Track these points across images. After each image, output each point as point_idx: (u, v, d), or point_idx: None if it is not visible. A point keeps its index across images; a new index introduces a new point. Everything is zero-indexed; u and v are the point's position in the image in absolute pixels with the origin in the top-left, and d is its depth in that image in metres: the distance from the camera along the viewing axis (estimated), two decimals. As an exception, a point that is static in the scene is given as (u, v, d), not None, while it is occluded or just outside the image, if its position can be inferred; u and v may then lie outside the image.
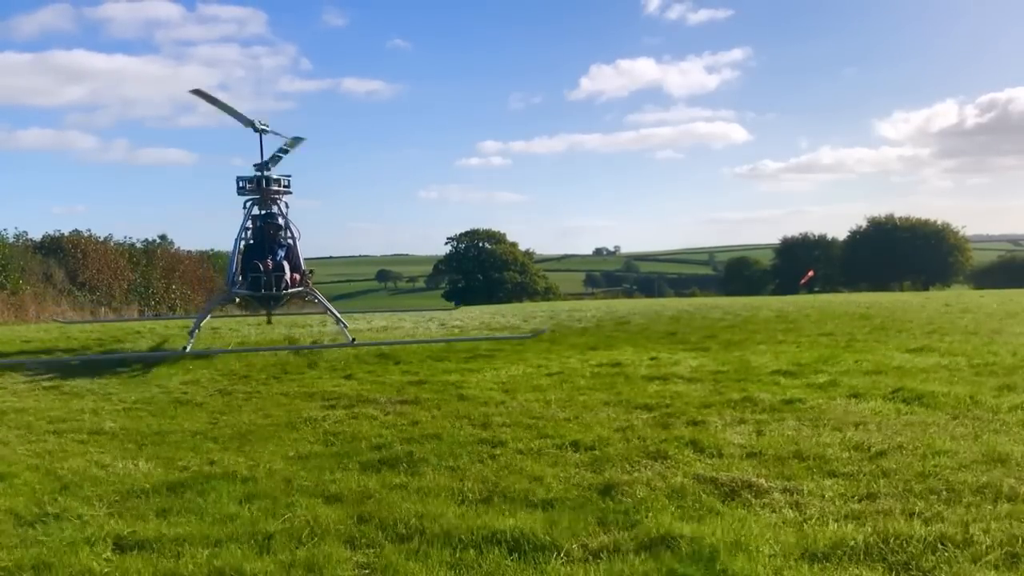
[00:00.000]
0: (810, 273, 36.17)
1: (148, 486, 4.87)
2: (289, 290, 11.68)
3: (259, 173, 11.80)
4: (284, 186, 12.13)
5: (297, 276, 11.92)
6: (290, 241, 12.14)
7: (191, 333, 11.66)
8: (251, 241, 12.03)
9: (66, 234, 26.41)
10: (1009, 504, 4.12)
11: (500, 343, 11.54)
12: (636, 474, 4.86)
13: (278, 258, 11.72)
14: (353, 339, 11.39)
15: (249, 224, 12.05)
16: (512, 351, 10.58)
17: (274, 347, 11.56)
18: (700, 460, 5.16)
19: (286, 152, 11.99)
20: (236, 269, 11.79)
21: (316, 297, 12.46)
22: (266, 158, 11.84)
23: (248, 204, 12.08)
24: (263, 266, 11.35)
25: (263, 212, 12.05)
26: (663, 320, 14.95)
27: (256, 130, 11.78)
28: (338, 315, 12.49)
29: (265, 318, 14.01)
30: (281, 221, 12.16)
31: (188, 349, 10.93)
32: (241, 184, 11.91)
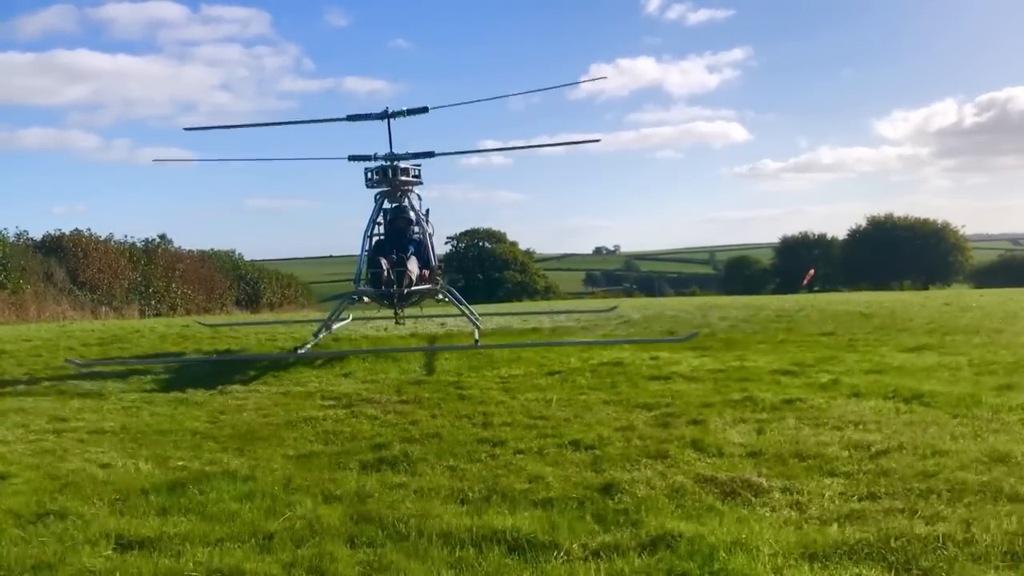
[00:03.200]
0: (811, 272, 36.15)
1: (148, 485, 4.87)
2: (414, 288, 10.65)
3: (388, 163, 11.11)
4: (415, 176, 11.39)
5: (426, 273, 11.08)
6: (420, 236, 11.37)
7: (316, 335, 11.22)
8: (380, 236, 11.38)
9: (67, 233, 26.45)
10: (1010, 504, 4.11)
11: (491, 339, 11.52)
12: (636, 473, 4.86)
13: (406, 254, 10.73)
14: (477, 341, 10.64)
15: (380, 219, 11.38)
16: (511, 351, 10.56)
17: (392, 348, 11.11)
18: (700, 459, 5.15)
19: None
20: (362, 266, 10.99)
21: (450, 296, 11.73)
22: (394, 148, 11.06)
23: (378, 197, 11.43)
24: (385, 262, 10.31)
25: (393, 205, 11.34)
26: (663, 320, 14.94)
27: (384, 116, 11.07)
28: (472, 315, 11.75)
29: (395, 319, 12.51)
30: (412, 215, 11.41)
31: (303, 351, 10.38)
32: (369, 176, 11.25)
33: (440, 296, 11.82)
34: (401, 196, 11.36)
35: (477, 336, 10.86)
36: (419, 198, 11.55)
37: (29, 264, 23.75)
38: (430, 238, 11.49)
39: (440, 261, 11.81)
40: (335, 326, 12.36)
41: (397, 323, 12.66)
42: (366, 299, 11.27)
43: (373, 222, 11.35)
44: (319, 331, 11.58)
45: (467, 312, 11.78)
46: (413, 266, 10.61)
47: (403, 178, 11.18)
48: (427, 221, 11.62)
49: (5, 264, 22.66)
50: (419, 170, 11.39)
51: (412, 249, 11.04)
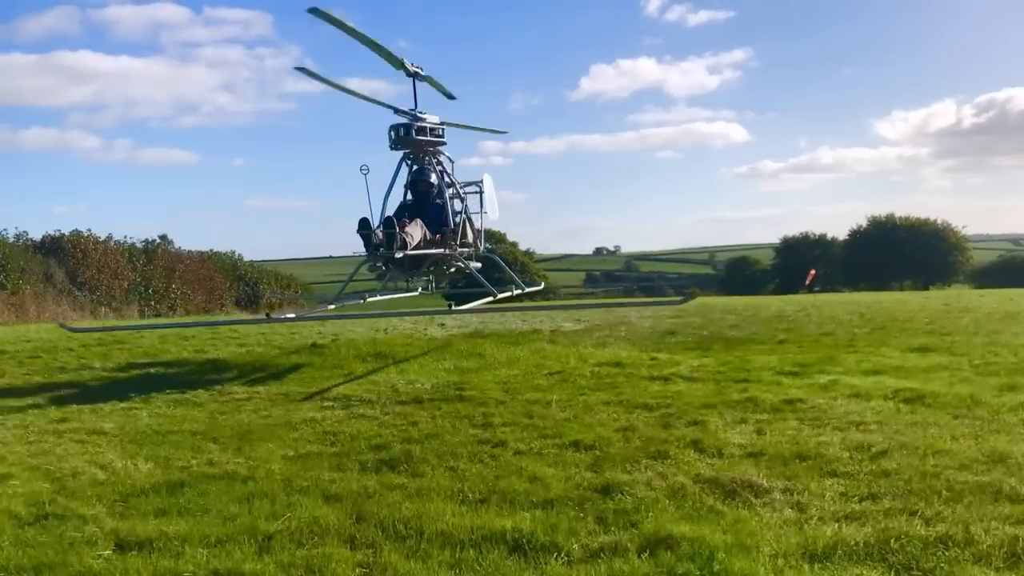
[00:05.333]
0: (812, 272, 36.13)
1: (148, 486, 4.87)
2: (414, 251, 9.78)
3: (408, 122, 10.36)
4: (436, 136, 10.54)
5: (438, 237, 10.21)
6: (441, 201, 10.60)
7: (328, 304, 11.01)
8: (409, 202, 10.68)
9: (66, 234, 26.43)
10: (1010, 504, 4.11)
11: (490, 339, 11.51)
12: (636, 474, 4.86)
13: (411, 217, 10.01)
14: (451, 305, 10.05)
15: (404, 182, 10.65)
16: (511, 350, 10.56)
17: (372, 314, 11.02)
18: (701, 460, 5.15)
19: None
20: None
21: (464, 264, 10.82)
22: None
23: (403, 159, 10.71)
24: (378, 224, 9.56)
25: (415, 168, 10.68)
26: (664, 319, 14.93)
27: (408, 74, 10.42)
28: (490, 287, 10.94)
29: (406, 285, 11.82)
30: (433, 178, 10.55)
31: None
32: (391, 135, 10.48)
33: (461, 264, 10.89)
34: (423, 158, 10.72)
35: (465, 305, 10.36)
36: (450, 160, 10.97)
37: (28, 265, 23.73)
38: (460, 201, 10.93)
39: (476, 230, 11.15)
40: (370, 299, 11.94)
41: (409, 289, 11.81)
42: (381, 266, 10.45)
43: (392, 185, 10.59)
44: (331, 300, 11.28)
45: (484, 283, 10.95)
46: (414, 230, 9.85)
47: (420, 137, 10.44)
48: (476, 185, 11.15)
49: (4, 265, 22.65)
50: (442, 130, 10.73)
51: (430, 213, 10.37)
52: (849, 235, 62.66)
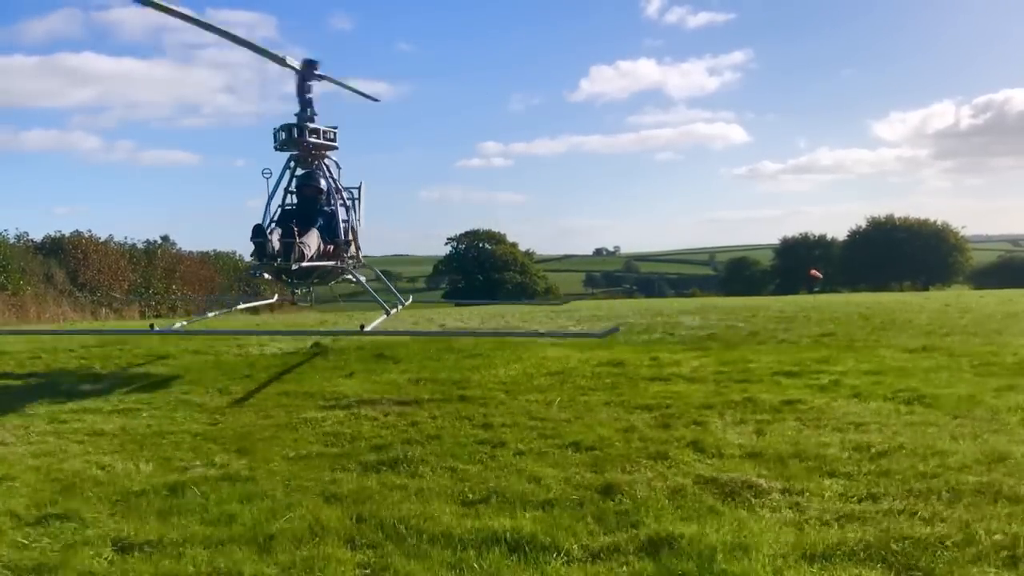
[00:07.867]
0: (816, 273, 36.05)
1: (148, 487, 4.87)
2: (310, 263, 9.23)
3: (295, 123, 9.68)
4: (329, 139, 9.93)
5: (331, 249, 9.67)
6: (331, 208, 9.92)
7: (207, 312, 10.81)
8: (289, 206, 10.07)
9: (66, 235, 26.43)
10: (1010, 504, 4.12)
11: (490, 339, 11.51)
12: (636, 474, 4.86)
13: (304, 225, 9.40)
14: (363, 326, 9.42)
15: (290, 186, 10.01)
16: (511, 351, 10.57)
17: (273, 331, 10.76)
18: (700, 460, 5.16)
19: None
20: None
21: (355, 277, 10.27)
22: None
23: (289, 161, 9.98)
24: (276, 233, 8.95)
25: (302, 172, 10.03)
26: (662, 321, 14.94)
27: (292, 68, 9.66)
28: (382, 302, 10.42)
29: (292, 299, 11.06)
30: (323, 183, 9.94)
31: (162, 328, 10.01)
32: (276, 135, 9.83)
33: (350, 277, 10.37)
34: (312, 161, 10.10)
35: (368, 326, 9.60)
36: (338, 167, 10.39)
37: (29, 265, 23.74)
38: (349, 211, 10.43)
39: (346, 242, 10.42)
40: (240, 306, 11.90)
41: (294, 303, 11.04)
42: (267, 275, 9.86)
43: (276, 188, 9.86)
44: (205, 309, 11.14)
45: (377, 298, 10.55)
46: (310, 239, 9.24)
47: (312, 139, 9.74)
48: (349, 193, 10.63)
49: (5, 265, 22.66)
50: (334, 133, 10.12)
51: (321, 221, 9.83)
52: (848, 236, 62.74)
